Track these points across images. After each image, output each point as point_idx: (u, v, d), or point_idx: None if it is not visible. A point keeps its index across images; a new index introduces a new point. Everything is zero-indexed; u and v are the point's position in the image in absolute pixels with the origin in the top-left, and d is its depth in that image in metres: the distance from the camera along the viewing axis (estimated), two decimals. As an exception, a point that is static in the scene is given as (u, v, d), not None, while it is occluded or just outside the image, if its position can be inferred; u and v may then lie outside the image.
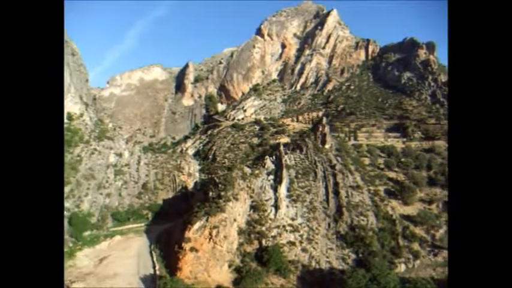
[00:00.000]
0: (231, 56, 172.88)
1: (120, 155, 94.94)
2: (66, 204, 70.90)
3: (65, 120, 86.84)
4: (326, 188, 68.40)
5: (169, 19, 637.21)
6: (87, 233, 69.71)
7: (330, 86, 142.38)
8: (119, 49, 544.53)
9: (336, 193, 66.36)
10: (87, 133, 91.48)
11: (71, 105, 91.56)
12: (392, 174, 77.95)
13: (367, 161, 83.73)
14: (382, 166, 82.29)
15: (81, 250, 63.60)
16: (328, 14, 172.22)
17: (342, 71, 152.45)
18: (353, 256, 55.15)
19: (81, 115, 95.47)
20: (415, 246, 56.21)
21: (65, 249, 61.73)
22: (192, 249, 50.68)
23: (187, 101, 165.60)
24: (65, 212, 69.18)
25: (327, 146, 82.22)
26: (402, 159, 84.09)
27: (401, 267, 52.88)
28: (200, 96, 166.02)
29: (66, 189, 73.24)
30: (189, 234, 52.75)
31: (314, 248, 56.55)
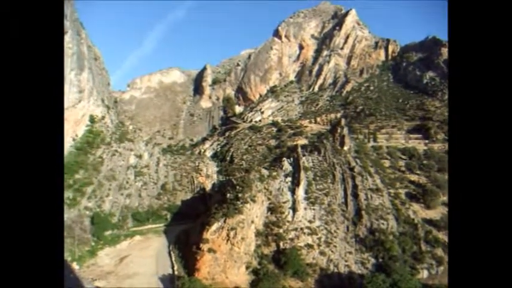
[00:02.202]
0: (249, 58, 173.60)
1: (140, 156, 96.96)
2: (89, 204, 73.09)
3: (87, 123, 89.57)
4: (345, 190, 67.27)
5: (187, 22, 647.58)
6: (108, 233, 71.51)
7: (348, 87, 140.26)
8: (139, 53, 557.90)
9: (355, 196, 65.13)
10: (108, 135, 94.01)
11: (93, 108, 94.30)
12: (414, 177, 75.71)
13: (387, 163, 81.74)
14: (403, 168, 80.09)
15: (102, 249, 65.34)
16: (346, 14, 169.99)
17: (361, 72, 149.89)
18: (372, 260, 53.86)
19: (103, 118, 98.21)
20: (439, 251, 54.21)
21: (87, 248, 63.66)
22: (210, 250, 51.01)
23: (205, 103, 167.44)
24: (87, 212, 71.33)
25: (345, 148, 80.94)
26: (424, 162, 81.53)
27: (424, 274, 51.14)
28: (218, 99, 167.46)
29: (89, 189, 75.53)
30: (207, 235, 53.14)
31: (332, 251, 55.65)
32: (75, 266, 54.39)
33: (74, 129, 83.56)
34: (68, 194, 70.99)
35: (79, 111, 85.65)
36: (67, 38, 77.04)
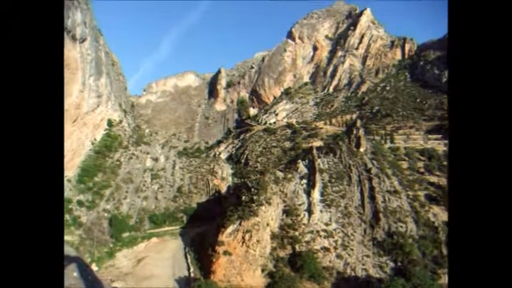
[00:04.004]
0: (262, 60, 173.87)
1: (156, 159, 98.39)
2: (107, 206, 74.62)
3: (106, 127, 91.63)
4: (361, 192, 66.09)
5: (201, 26, 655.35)
6: (125, 234, 72.75)
7: (364, 88, 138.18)
8: (155, 58, 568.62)
9: (372, 198, 63.89)
10: (125, 139, 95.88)
11: (111, 112, 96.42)
12: (433, 179, 73.57)
13: (405, 164, 79.82)
14: (422, 170, 78.00)
15: (120, 250, 66.51)
16: (361, 13, 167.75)
17: (377, 72, 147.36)
18: (391, 264, 52.59)
19: (121, 122, 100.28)
20: (461, 255, 52.47)
21: (106, 249, 64.93)
22: (226, 252, 51.06)
23: (219, 106, 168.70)
24: (105, 214, 72.83)
25: (361, 150, 79.63)
26: (444, 163, 79.15)
27: (445, 279, 49.50)
28: (232, 101, 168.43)
29: (107, 192, 77.17)
30: (222, 237, 53.26)
31: (349, 254, 54.70)
32: (94, 267, 55.54)
33: (93, 133, 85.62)
34: (87, 196, 72.73)
35: (97, 115, 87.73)
36: (86, 45, 79.20)
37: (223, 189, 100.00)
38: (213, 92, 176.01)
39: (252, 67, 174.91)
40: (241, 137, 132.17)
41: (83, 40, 76.09)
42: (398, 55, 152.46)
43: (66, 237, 55.15)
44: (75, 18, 71.02)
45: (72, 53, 70.81)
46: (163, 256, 63.82)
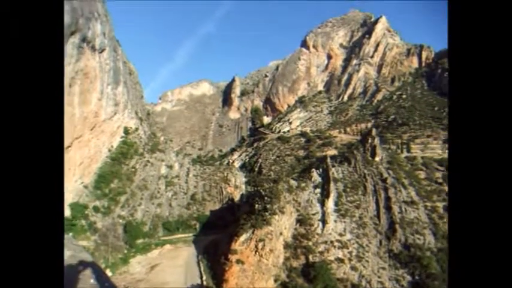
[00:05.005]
0: (277, 69, 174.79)
1: (170, 166, 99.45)
2: (122, 212, 75.59)
3: (122, 134, 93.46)
4: (377, 202, 64.73)
5: (216, 36, 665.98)
6: (139, 241, 73.35)
7: (379, 96, 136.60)
8: (170, 67, 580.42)
9: (388, 208, 62.44)
10: (141, 146, 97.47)
11: (128, 120, 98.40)
12: (452, 189, 71.46)
13: (422, 174, 77.80)
14: (440, 180, 75.80)
15: (134, 257, 67.02)
16: (376, 21, 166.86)
17: (393, 80, 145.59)
18: (408, 278, 50.97)
19: (137, 129, 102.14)
20: (482, 270, 50.39)
21: (120, 255, 65.56)
22: (238, 261, 50.69)
23: (233, 114, 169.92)
24: (120, 220, 73.76)
25: (377, 159, 78.26)
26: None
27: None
28: (246, 110, 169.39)
29: (122, 198, 78.27)
30: (235, 246, 52.96)
31: (364, 266, 53.37)
32: (108, 272, 56.13)
33: (110, 141, 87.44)
34: (103, 202, 73.95)
35: (114, 123, 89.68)
36: (105, 55, 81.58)
37: (237, 197, 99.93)
38: (227, 101, 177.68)
39: (266, 75, 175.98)
40: (255, 145, 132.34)
41: (102, 50, 78.44)
42: (415, 63, 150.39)
43: (82, 243, 56.02)
44: (95, 29, 73.44)
45: (91, 62, 73.04)
46: (177, 263, 63.92)
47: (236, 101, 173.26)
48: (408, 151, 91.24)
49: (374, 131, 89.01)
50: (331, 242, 57.18)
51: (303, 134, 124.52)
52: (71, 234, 56.65)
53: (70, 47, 62.90)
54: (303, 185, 68.96)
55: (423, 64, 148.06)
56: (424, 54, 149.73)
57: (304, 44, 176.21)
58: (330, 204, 63.58)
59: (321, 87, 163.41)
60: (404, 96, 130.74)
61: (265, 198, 62.90)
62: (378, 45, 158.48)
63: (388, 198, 64.16)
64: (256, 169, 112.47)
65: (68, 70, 64.15)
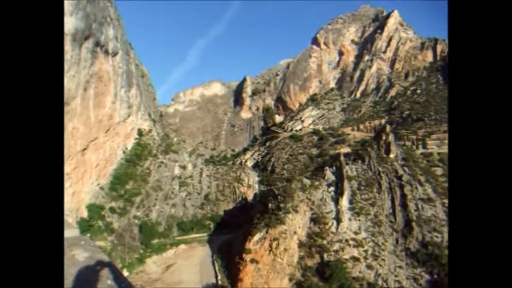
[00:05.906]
0: (287, 67, 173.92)
1: (184, 167, 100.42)
2: (137, 213, 76.82)
3: (136, 136, 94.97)
4: (392, 200, 63.58)
5: (227, 37, 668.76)
6: (155, 241, 74.41)
7: (393, 92, 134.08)
8: (182, 68, 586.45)
9: (404, 206, 61.24)
10: (155, 147, 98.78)
11: (141, 122, 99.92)
12: (470, 186, 69.58)
13: (439, 171, 75.98)
14: (457, 176, 73.98)
15: (150, 257, 68.04)
16: (388, 16, 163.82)
17: (406, 75, 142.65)
18: (426, 276, 49.87)
19: (150, 131, 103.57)
20: (504, 268, 48.86)
21: (136, 255, 66.65)
22: (253, 260, 50.75)
23: (245, 114, 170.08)
24: (136, 221, 74.99)
25: (391, 156, 76.83)
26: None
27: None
28: (258, 109, 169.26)
29: (138, 199, 79.56)
30: (249, 245, 53.04)
31: (380, 265, 52.54)
32: (124, 272, 57.14)
33: (124, 143, 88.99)
34: (119, 203, 75.36)
35: (128, 125, 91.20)
36: (117, 59, 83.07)
37: (250, 197, 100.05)
38: (238, 100, 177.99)
39: (277, 74, 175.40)
40: (267, 144, 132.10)
41: (114, 54, 79.88)
42: (429, 57, 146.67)
43: (100, 243, 57.21)
44: (108, 33, 74.84)
45: (105, 66, 74.47)
46: (191, 263, 64.52)
47: (248, 101, 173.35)
48: (424, 147, 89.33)
49: (388, 128, 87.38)
50: (346, 240, 56.55)
51: (315, 132, 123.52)
52: (88, 235, 57.88)
53: (84, 51, 64.29)
54: (317, 183, 68.40)
55: (438, 58, 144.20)
56: (439, 48, 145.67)
57: (315, 41, 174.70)
58: (344, 202, 62.88)
59: (332, 85, 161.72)
60: (418, 91, 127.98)
61: (279, 197, 62.73)
62: (390, 40, 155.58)
63: (403, 196, 62.93)
64: (269, 168, 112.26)
65: (83, 74, 65.57)
